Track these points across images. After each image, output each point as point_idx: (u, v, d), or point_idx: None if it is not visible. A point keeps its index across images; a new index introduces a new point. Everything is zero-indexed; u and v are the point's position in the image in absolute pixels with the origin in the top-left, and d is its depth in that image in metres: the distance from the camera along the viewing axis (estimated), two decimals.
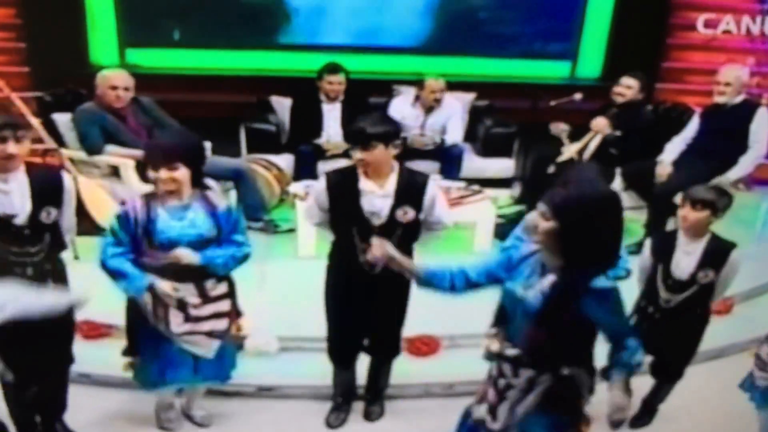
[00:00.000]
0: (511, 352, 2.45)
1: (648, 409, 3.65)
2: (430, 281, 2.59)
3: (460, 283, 2.56)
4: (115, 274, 2.95)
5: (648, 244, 3.37)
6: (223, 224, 3.01)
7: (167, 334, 3.05)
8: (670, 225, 4.79)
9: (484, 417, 2.55)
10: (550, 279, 2.34)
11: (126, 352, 3.21)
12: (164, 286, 2.95)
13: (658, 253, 3.30)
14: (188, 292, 3.03)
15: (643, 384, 3.54)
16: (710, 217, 3.16)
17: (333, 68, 5.86)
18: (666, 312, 3.29)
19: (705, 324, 3.39)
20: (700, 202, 3.14)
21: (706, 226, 3.20)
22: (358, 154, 3.02)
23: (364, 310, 3.30)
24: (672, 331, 3.30)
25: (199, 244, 2.97)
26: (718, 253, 3.21)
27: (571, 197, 2.30)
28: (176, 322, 3.05)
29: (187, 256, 2.94)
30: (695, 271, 3.21)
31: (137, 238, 2.93)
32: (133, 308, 3.08)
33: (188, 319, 3.05)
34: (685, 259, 3.23)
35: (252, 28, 6.95)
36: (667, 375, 3.52)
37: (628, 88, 5.40)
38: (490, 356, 2.57)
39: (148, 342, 3.12)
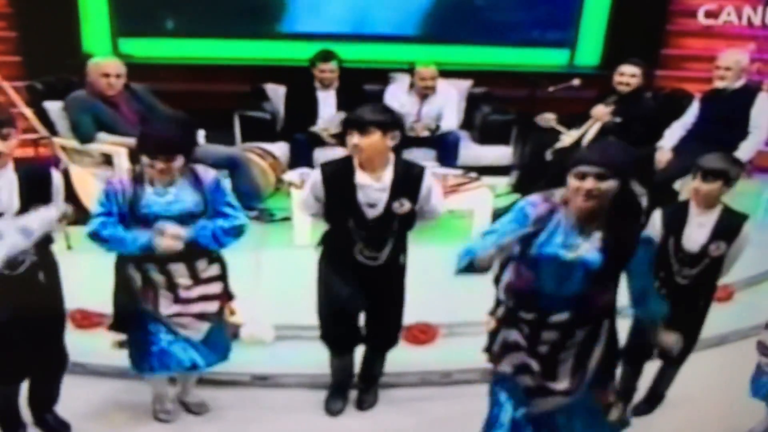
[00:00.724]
0: (560, 317, 2.54)
1: (654, 396, 3.63)
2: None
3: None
4: (111, 240, 2.94)
5: (657, 216, 3.26)
6: (210, 196, 3.00)
7: (156, 315, 3.05)
8: None
9: (532, 384, 2.64)
10: (598, 236, 2.45)
11: (113, 327, 3.20)
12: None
13: (669, 225, 3.21)
14: (179, 272, 3.03)
15: (647, 372, 3.55)
16: (723, 187, 3.09)
17: (325, 56, 5.84)
18: (674, 289, 3.22)
19: (709, 303, 3.35)
20: (711, 173, 3.06)
21: (718, 197, 3.14)
22: (354, 140, 2.99)
23: (360, 298, 3.29)
24: (679, 308, 3.19)
25: (186, 219, 2.96)
26: (730, 225, 3.15)
27: (626, 154, 2.49)
28: (165, 304, 3.05)
29: (172, 230, 2.92)
30: (707, 244, 3.15)
31: (123, 213, 2.93)
32: (123, 291, 3.07)
33: (177, 300, 3.06)
34: (697, 231, 3.16)
35: (247, 16, 6.91)
36: (674, 357, 3.42)
37: (633, 76, 5.36)
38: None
39: (139, 327, 3.12)
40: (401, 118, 3.19)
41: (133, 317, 3.11)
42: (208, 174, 3.04)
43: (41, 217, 2.71)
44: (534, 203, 2.53)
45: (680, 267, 3.21)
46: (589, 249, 2.45)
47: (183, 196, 2.97)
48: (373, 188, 3.07)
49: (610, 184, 2.38)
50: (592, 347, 2.60)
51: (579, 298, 2.51)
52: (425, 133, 5.73)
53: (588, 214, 2.44)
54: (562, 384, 2.62)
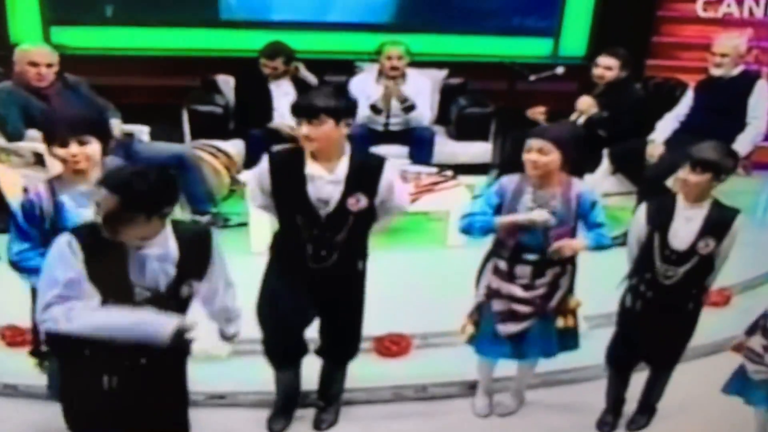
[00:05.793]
0: (533, 257, 3.31)
1: (646, 408, 3.70)
2: None
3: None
4: (33, 272, 2.84)
5: (642, 210, 3.34)
6: None
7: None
8: None
9: (520, 328, 3.39)
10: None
11: (32, 353, 3.19)
12: None
13: (654, 220, 3.27)
14: None
15: (637, 384, 3.64)
16: (712, 180, 3.15)
17: (270, 53, 5.93)
18: (659, 291, 3.29)
19: (700, 306, 3.41)
20: (701, 164, 3.11)
21: (707, 190, 3.19)
22: (303, 130, 3.01)
23: (311, 306, 3.33)
24: (665, 313, 3.33)
25: None
26: (720, 221, 3.20)
27: (566, 130, 3.42)
28: None
29: None
30: (695, 241, 3.20)
31: (44, 230, 2.86)
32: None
33: None
34: (685, 227, 3.21)
35: (194, 2, 6.96)
36: (661, 363, 3.56)
37: (607, 69, 5.49)
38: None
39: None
40: (355, 104, 3.23)
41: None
42: None
43: None
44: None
45: (666, 266, 3.26)
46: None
47: None
48: (325, 180, 3.08)
49: (551, 157, 3.17)
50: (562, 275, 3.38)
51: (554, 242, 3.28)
52: (398, 113, 5.82)
53: (540, 180, 3.24)
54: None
